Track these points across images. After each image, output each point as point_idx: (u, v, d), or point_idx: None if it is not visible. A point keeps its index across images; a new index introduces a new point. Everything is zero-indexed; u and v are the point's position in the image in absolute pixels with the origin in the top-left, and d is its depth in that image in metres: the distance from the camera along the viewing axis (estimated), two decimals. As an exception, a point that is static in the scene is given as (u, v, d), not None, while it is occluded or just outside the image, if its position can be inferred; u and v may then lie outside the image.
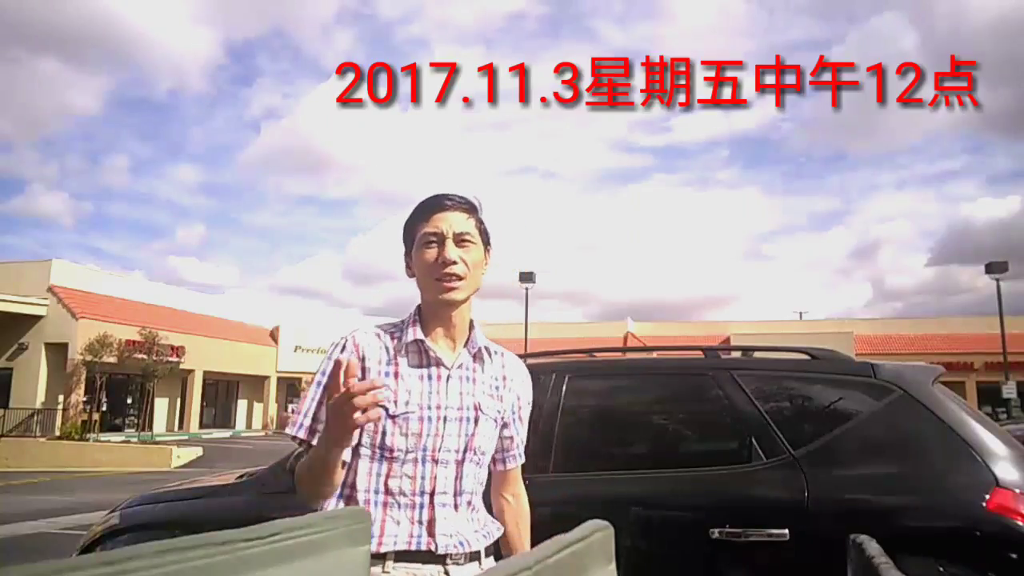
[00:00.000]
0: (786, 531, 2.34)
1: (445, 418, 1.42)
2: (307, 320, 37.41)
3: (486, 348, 1.53)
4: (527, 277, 28.63)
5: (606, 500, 2.62)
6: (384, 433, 1.39)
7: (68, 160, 67.94)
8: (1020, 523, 2.21)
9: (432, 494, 1.40)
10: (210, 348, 29.66)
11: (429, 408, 1.41)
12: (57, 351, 24.81)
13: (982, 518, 2.24)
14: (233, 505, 3.08)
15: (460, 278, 1.45)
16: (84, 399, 24.83)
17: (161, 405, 28.90)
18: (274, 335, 35.81)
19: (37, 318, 25.03)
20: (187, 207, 72.93)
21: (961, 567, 2.24)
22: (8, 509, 10.07)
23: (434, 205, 1.49)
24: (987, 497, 2.26)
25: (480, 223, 1.53)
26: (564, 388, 2.89)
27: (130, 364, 25.25)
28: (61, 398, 24.54)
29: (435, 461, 1.41)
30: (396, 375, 1.42)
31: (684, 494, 2.60)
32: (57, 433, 22.63)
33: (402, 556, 1.36)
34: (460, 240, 1.46)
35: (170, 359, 26.72)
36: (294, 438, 1.40)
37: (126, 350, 24.84)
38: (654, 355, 4.03)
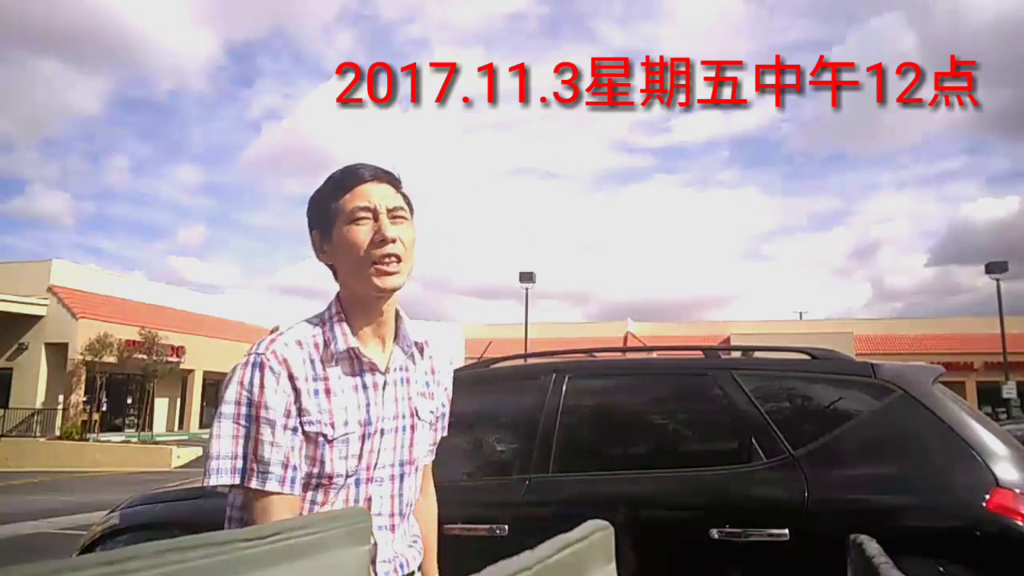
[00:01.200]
0: (786, 531, 2.34)
1: (382, 431, 1.25)
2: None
3: (423, 343, 1.36)
4: (527, 277, 28.63)
5: (606, 500, 2.62)
6: (322, 461, 1.19)
7: (69, 160, 68.04)
8: (1020, 523, 2.21)
9: None
10: (210, 348, 29.64)
11: (369, 424, 1.23)
12: (57, 351, 24.81)
13: (982, 518, 2.24)
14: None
15: (399, 259, 1.25)
16: (84, 399, 24.84)
17: (161, 405, 28.90)
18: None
19: (37, 318, 25.03)
20: (188, 207, 73.11)
21: (961, 567, 2.24)
22: (8, 509, 10.07)
23: (357, 176, 1.28)
24: (987, 497, 2.26)
25: (406, 196, 1.33)
26: (564, 388, 2.89)
27: (130, 364, 25.25)
28: (61, 398, 24.54)
29: (369, 480, 1.24)
30: (328, 392, 1.21)
31: (684, 494, 2.60)
32: (57, 433, 22.64)
33: None
34: (393, 216, 1.26)
35: (170, 359, 26.72)
36: (271, 494, 1.14)
37: (126, 350, 24.84)
38: (654, 355, 4.03)
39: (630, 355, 4.28)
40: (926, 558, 2.22)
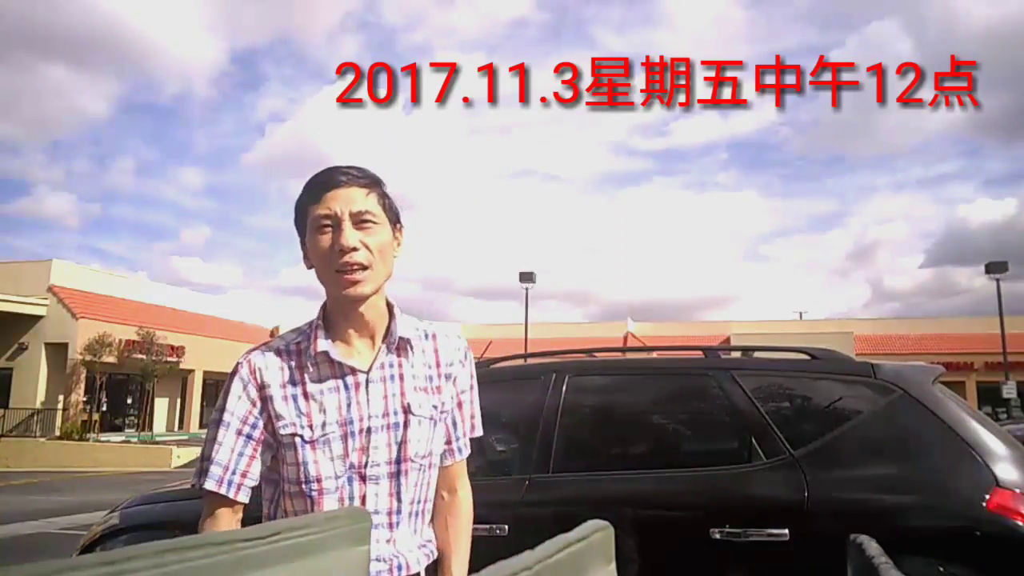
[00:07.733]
0: (786, 531, 2.35)
1: (369, 429, 1.23)
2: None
3: (408, 338, 1.31)
4: (527, 277, 28.64)
5: (606, 500, 2.62)
6: (305, 463, 1.21)
7: (75, 163, 68.04)
8: (1020, 523, 2.21)
9: None
10: (210, 348, 29.63)
11: (350, 423, 1.23)
12: (57, 351, 24.80)
13: (982, 518, 2.25)
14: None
15: (364, 267, 1.23)
16: (84, 399, 24.82)
17: (161, 405, 28.89)
18: (274, 335, 35.77)
19: (37, 318, 25.01)
20: (191, 209, 73.10)
21: (961, 567, 2.24)
22: (8, 509, 10.07)
23: (326, 182, 1.25)
24: (987, 497, 2.26)
25: (383, 197, 1.29)
26: (564, 388, 2.89)
27: (130, 364, 25.24)
28: (61, 398, 24.53)
29: (363, 479, 1.23)
30: (305, 396, 1.23)
31: (684, 494, 2.60)
32: (57, 433, 22.63)
33: None
34: (360, 221, 1.24)
35: (169, 359, 26.72)
36: (210, 492, 1.19)
37: (126, 350, 24.84)
38: (654, 355, 4.03)
39: (630, 355, 4.28)
40: (926, 558, 2.22)
